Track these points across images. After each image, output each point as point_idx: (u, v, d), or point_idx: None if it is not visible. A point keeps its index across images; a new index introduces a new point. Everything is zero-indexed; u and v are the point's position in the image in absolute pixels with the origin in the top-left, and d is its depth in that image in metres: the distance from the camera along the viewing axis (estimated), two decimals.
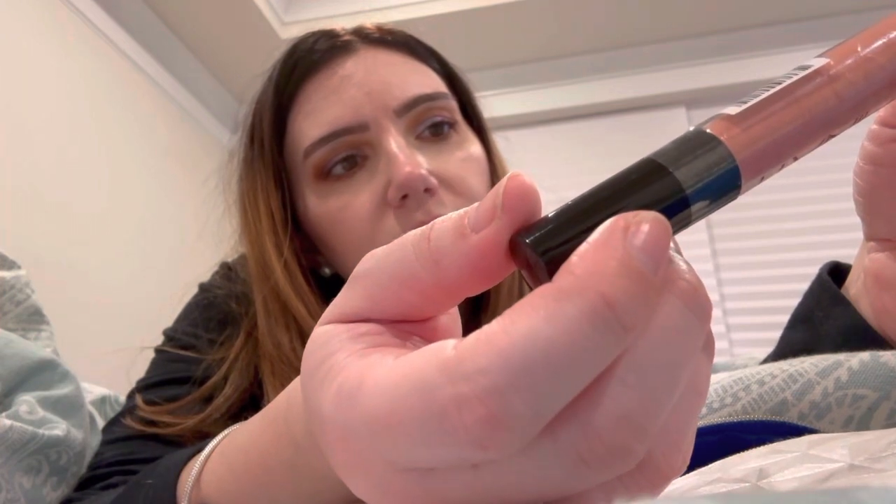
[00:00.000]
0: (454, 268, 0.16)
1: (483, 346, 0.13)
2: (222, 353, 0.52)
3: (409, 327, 0.18)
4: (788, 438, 0.23)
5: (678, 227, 0.16)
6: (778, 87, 0.18)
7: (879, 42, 0.19)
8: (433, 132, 0.52)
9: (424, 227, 0.17)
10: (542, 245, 0.15)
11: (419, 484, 0.15)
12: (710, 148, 0.16)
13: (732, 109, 0.18)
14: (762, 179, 0.18)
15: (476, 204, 0.17)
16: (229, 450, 0.33)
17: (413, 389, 0.14)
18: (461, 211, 0.17)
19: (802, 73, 0.18)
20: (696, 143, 0.17)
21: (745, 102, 0.18)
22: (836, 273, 0.37)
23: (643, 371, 0.14)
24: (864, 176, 0.29)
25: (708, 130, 0.17)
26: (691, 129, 0.17)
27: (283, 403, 0.28)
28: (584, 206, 0.16)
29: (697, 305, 0.15)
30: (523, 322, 0.13)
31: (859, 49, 0.19)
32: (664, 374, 0.14)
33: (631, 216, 0.14)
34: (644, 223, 0.14)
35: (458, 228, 0.16)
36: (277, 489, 0.29)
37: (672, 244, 0.16)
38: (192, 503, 0.34)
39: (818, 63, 0.19)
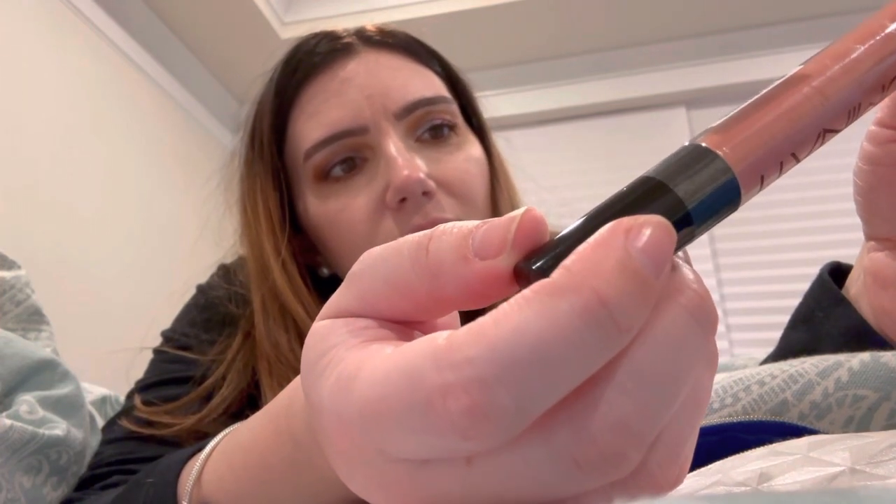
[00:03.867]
0: (452, 287, 0.16)
1: (473, 337, 0.13)
2: (220, 354, 0.52)
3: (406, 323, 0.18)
4: (788, 439, 0.23)
5: (682, 243, 0.16)
6: (767, 96, 0.18)
7: (865, 44, 0.20)
8: (433, 134, 0.52)
9: (422, 237, 0.17)
10: (547, 273, 0.15)
11: (412, 477, 0.15)
12: (707, 162, 0.17)
13: (724, 121, 0.18)
14: (762, 187, 0.18)
15: (482, 226, 0.16)
16: (230, 448, 0.33)
17: (403, 377, 0.14)
18: (464, 228, 0.16)
19: (790, 80, 0.19)
20: (693, 157, 0.17)
21: (736, 113, 0.18)
22: (838, 273, 0.37)
23: (643, 379, 0.14)
24: (863, 176, 0.29)
25: (703, 144, 0.17)
26: (686, 143, 0.17)
27: (284, 401, 0.28)
28: (588, 229, 0.15)
29: (703, 316, 0.14)
30: (514, 315, 0.13)
31: (845, 51, 0.19)
32: (665, 383, 0.14)
33: (633, 219, 0.14)
34: (647, 226, 0.14)
35: (460, 249, 0.16)
36: (277, 487, 0.29)
37: (682, 254, 0.16)
38: (192, 502, 0.34)
39: (804, 69, 0.19)
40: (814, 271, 0.37)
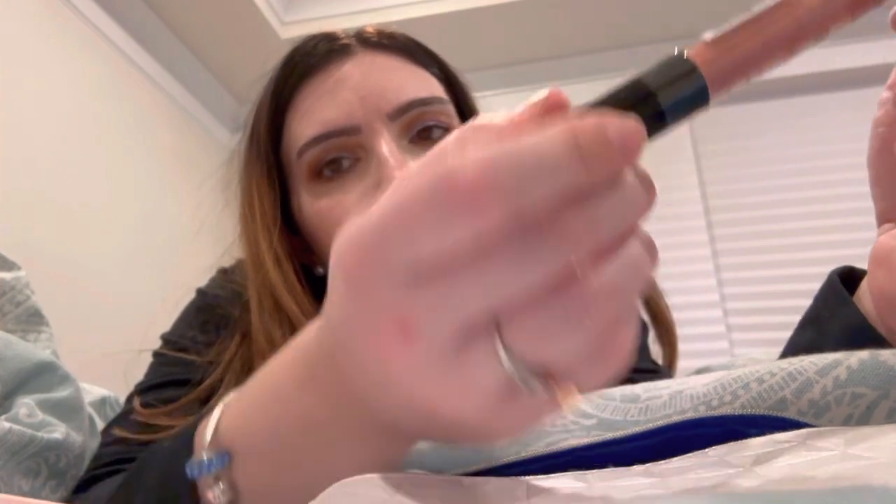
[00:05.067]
0: None
1: (489, 135, 0.19)
2: (218, 356, 0.52)
3: None
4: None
5: (655, 131, 0.21)
6: (749, 17, 0.23)
7: None
8: (427, 136, 0.52)
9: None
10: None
11: (423, 300, 0.18)
12: (685, 70, 0.22)
13: (709, 35, 0.23)
14: (730, 89, 0.22)
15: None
16: (248, 411, 0.30)
17: (428, 161, 0.19)
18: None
19: (770, 4, 0.23)
20: (673, 64, 0.22)
21: (721, 29, 0.23)
22: (851, 277, 0.37)
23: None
24: (875, 142, 0.31)
25: (685, 54, 0.22)
26: (675, 52, 0.23)
27: (295, 354, 0.27)
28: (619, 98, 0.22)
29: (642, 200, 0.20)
30: (525, 130, 0.19)
31: None
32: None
33: (622, 117, 0.19)
34: (628, 121, 0.19)
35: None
36: (304, 446, 0.28)
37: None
38: (210, 449, 0.31)
39: None
40: (813, 271, 0.37)
